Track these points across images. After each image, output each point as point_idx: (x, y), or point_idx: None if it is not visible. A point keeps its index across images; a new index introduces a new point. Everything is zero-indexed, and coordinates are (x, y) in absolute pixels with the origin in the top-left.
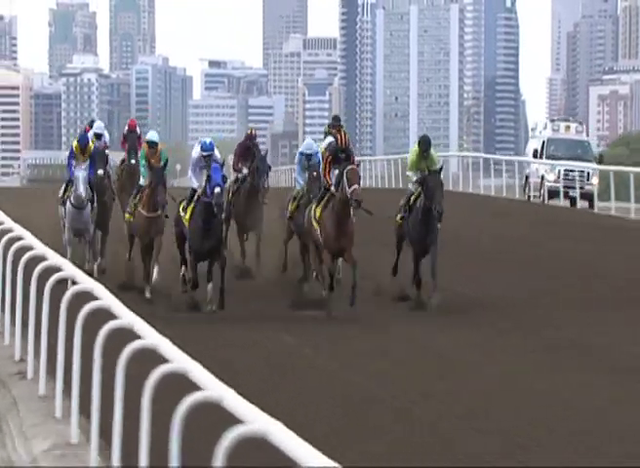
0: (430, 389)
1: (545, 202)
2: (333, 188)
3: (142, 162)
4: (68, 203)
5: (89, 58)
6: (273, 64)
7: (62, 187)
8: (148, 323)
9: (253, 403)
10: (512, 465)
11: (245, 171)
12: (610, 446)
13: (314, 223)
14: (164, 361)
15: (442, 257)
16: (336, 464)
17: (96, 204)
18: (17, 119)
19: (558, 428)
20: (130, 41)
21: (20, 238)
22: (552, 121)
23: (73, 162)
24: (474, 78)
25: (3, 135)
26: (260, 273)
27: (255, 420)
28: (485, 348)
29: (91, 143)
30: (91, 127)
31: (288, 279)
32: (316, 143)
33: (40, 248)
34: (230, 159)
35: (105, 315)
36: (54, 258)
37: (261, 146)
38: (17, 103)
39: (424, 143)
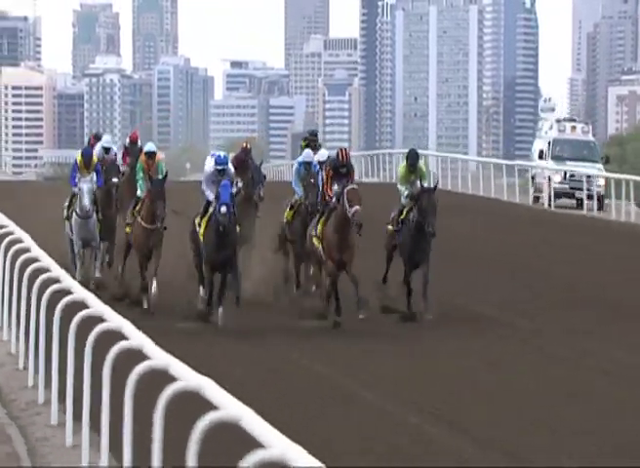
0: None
1: (552, 203)
2: (334, 200)
3: (140, 174)
4: (74, 215)
5: (111, 59)
6: (294, 65)
7: (67, 202)
8: (157, 343)
9: (268, 421)
10: (512, 465)
11: (240, 184)
12: (610, 448)
13: (315, 242)
14: (174, 380)
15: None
16: None
17: (100, 215)
18: (40, 119)
19: (560, 428)
20: (152, 41)
21: (35, 257)
22: (558, 121)
23: (77, 175)
24: (493, 78)
25: (27, 134)
26: (251, 284)
27: (274, 444)
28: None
29: (94, 158)
30: (95, 138)
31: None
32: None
33: (55, 269)
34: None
35: (116, 336)
36: (65, 281)
37: (282, 146)
38: (40, 103)
39: (411, 158)
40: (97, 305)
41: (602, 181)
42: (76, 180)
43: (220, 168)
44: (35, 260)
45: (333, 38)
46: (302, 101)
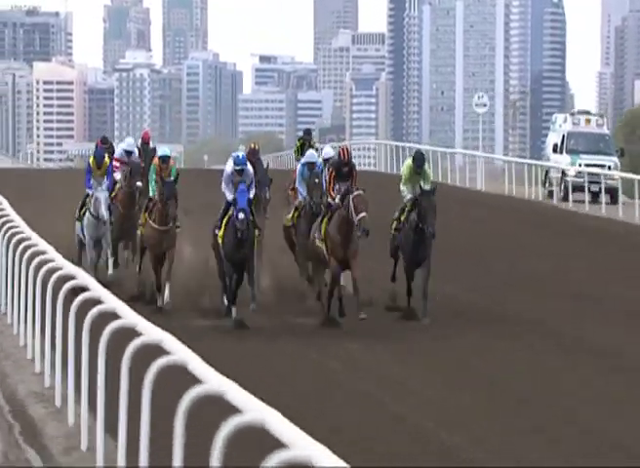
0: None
1: (569, 197)
2: (337, 200)
3: (153, 176)
4: (88, 215)
5: (141, 54)
6: (322, 59)
7: (79, 204)
8: (179, 339)
9: (293, 422)
10: (512, 465)
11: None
12: (612, 446)
13: (318, 243)
14: (196, 380)
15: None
16: None
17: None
18: (71, 113)
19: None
20: (182, 37)
21: (46, 256)
22: (572, 114)
23: (91, 177)
24: (520, 73)
25: (58, 129)
26: (265, 285)
27: (298, 444)
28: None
29: (106, 159)
30: (102, 142)
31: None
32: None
33: (68, 267)
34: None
35: (132, 333)
36: (81, 278)
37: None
38: (71, 98)
39: (418, 160)
40: (112, 301)
41: (617, 175)
42: (91, 183)
43: (238, 168)
44: (41, 252)
45: (361, 33)
46: (330, 96)
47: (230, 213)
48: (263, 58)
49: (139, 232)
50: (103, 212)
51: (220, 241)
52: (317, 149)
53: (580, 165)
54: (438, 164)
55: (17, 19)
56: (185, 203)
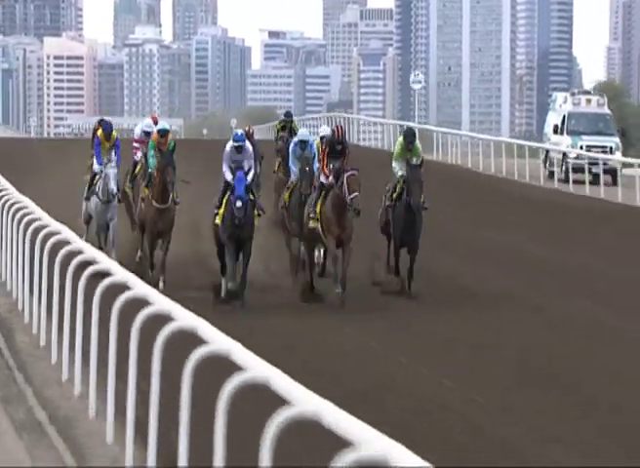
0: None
1: (569, 178)
2: (331, 179)
3: (152, 151)
4: (95, 198)
5: (150, 29)
6: (331, 34)
7: (87, 182)
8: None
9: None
10: (512, 465)
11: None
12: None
13: (312, 222)
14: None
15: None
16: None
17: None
18: (81, 88)
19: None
20: (192, 12)
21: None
22: (573, 94)
23: (100, 149)
24: (527, 48)
25: (68, 103)
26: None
27: (303, 400)
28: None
29: (114, 132)
30: (100, 124)
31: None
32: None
33: (89, 251)
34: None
35: (164, 319)
36: (104, 262)
37: (318, 115)
38: (81, 73)
39: (409, 136)
40: (121, 273)
41: (619, 155)
42: (101, 159)
43: (237, 145)
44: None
45: (369, 8)
46: (338, 71)
47: (229, 195)
48: (272, 34)
49: (138, 208)
50: (112, 186)
51: (218, 221)
52: (296, 133)
53: (581, 146)
54: (439, 143)
55: None
56: (187, 170)
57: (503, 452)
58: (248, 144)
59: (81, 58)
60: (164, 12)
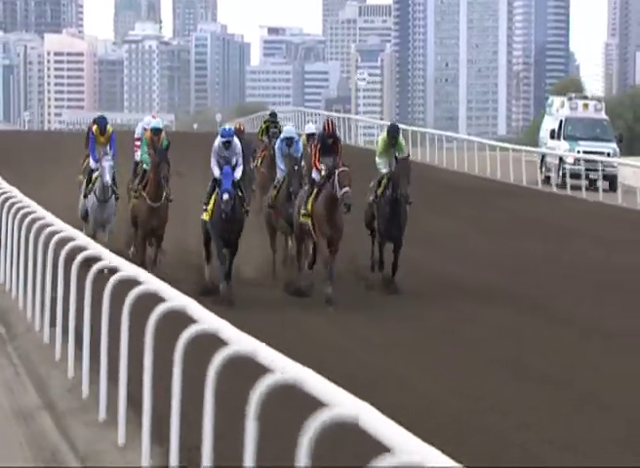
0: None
1: (566, 183)
2: (323, 173)
3: (145, 148)
4: (93, 197)
5: (150, 26)
6: (330, 31)
7: (84, 180)
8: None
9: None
10: (512, 465)
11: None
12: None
13: (302, 219)
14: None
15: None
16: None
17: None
18: (81, 84)
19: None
20: (192, 8)
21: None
22: (570, 99)
23: (95, 146)
24: (524, 44)
25: (69, 99)
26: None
27: (287, 368)
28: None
29: (109, 127)
30: (95, 122)
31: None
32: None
33: (94, 247)
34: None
35: (185, 318)
36: (109, 258)
37: (317, 110)
38: (81, 69)
39: (393, 131)
40: (130, 269)
41: (617, 161)
42: (96, 154)
43: (224, 140)
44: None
45: (368, 4)
46: (337, 67)
47: (217, 192)
48: (272, 30)
49: (130, 204)
50: (108, 178)
51: (206, 217)
52: (280, 132)
53: (578, 152)
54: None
55: None
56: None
57: (498, 449)
58: (236, 140)
59: (81, 54)
60: (164, 8)
